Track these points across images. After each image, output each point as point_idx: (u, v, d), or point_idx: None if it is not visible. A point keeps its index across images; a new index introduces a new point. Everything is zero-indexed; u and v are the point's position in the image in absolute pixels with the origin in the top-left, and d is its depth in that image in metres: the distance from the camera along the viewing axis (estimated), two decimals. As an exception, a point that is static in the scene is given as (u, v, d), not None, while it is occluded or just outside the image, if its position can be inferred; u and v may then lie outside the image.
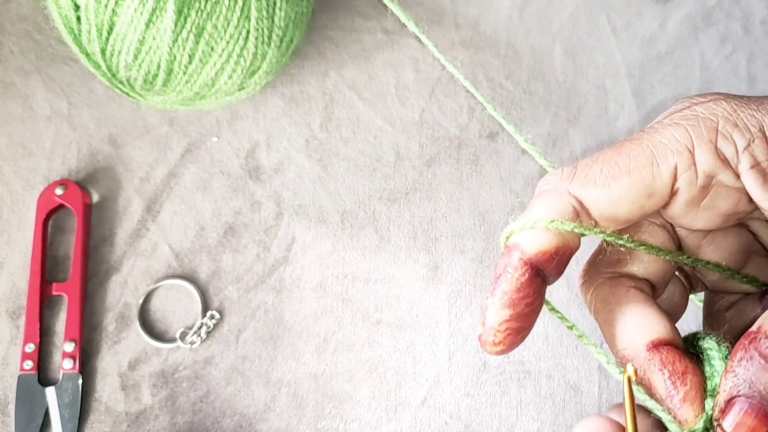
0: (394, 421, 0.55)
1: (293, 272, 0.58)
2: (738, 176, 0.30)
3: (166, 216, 0.59)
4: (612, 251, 0.33)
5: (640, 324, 0.31)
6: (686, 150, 0.30)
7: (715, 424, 0.28)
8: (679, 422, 0.29)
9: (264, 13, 0.53)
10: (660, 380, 0.29)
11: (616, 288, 0.32)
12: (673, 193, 0.30)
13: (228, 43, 0.53)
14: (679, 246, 0.34)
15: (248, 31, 0.53)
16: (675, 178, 0.30)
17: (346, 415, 0.55)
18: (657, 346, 0.30)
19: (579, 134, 0.63)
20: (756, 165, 0.30)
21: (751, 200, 0.31)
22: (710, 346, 0.30)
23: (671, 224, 0.34)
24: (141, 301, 0.57)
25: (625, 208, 0.30)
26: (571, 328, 0.32)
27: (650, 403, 0.29)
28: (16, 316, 0.56)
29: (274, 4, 0.54)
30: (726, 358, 0.29)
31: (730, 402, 0.27)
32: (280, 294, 0.58)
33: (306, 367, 0.56)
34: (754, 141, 0.29)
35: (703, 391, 0.29)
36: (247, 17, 0.53)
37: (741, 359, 0.27)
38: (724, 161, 0.30)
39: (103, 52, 0.54)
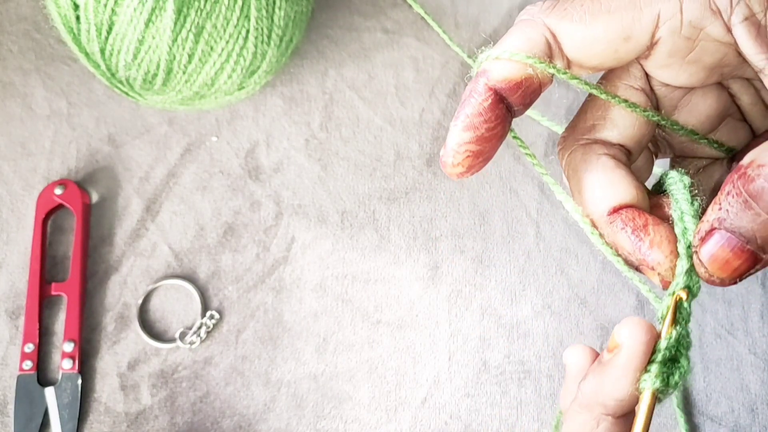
0: (394, 421, 0.55)
1: (293, 272, 0.58)
2: (728, 29, 0.29)
3: (166, 216, 0.59)
4: (588, 117, 0.33)
5: (605, 191, 0.31)
6: None
7: (693, 250, 0.28)
8: (652, 268, 0.29)
9: (263, 12, 0.53)
10: (624, 238, 0.30)
11: (587, 154, 0.32)
12: (653, 42, 0.30)
13: (227, 42, 0.53)
14: (657, 104, 0.34)
15: (248, 31, 0.53)
16: (657, 26, 0.29)
17: (345, 415, 0.55)
18: (618, 209, 0.30)
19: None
20: (751, 16, 0.29)
21: (738, 55, 0.30)
22: (672, 182, 0.31)
23: (650, 86, 0.33)
24: (140, 301, 0.57)
25: (599, 49, 0.29)
26: (530, 155, 0.33)
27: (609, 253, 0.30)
28: (16, 316, 0.56)
29: (274, 3, 0.54)
30: (688, 189, 0.30)
31: (710, 232, 0.27)
32: (279, 294, 0.58)
33: (306, 368, 0.56)
34: None
35: (669, 233, 0.30)
36: (247, 16, 0.52)
37: (728, 193, 0.27)
38: (715, 12, 0.29)
39: (102, 51, 0.54)
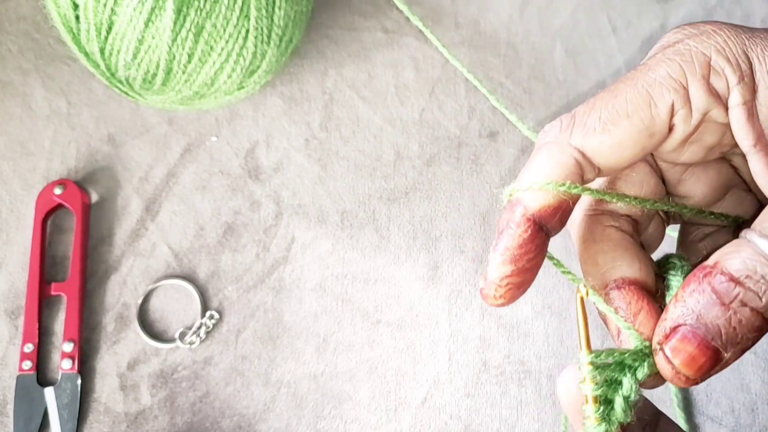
0: (394, 421, 0.55)
1: (293, 272, 0.58)
2: (727, 111, 0.30)
3: (166, 216, 0.59)
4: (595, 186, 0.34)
5: (610, 263, 0.32)
6: (681, 87, 0.29)
7: (657, 347, 0.29)
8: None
9: (263, 12, 0.53)
10: (612, 318, 0.31)
11: (594, 226, 0.33)
12: (669, 129, 0.30)
13: (227, 42, 0.53)
14: (660, 177, 0.35)
15: (248, 30, 0.53)
16: (672, 115, 0.30)
17: (345, 415, 0.55)
18: (620, 285, 0.31)
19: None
20: (744, 103, 0.30)
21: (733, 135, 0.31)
22: (673, 276, 0.31)
23: (653, 157, 0.34)
24: (140, 301, 0.57)
25: (628, 152, 0.30)
26: (568, 274, 0.32)
27: (611, 315, 0.31)
28: (15, 316, 0.56)
29: (274, 3, 0.54)
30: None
31: (675, 329, 0.28)
32: (279, 294, 0.58)
33: (305, 368, 0.56)
34: (744, 79, 0.30)
35: (655, 321, 0.30)
36: (247, 16, 0.52)
37: (693, 291, 0.28)
38: (716, 97, 0.30)
39: (102, 51, 0.54)
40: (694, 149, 0.32)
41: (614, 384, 0.30)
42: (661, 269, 0.33)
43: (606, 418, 0.29)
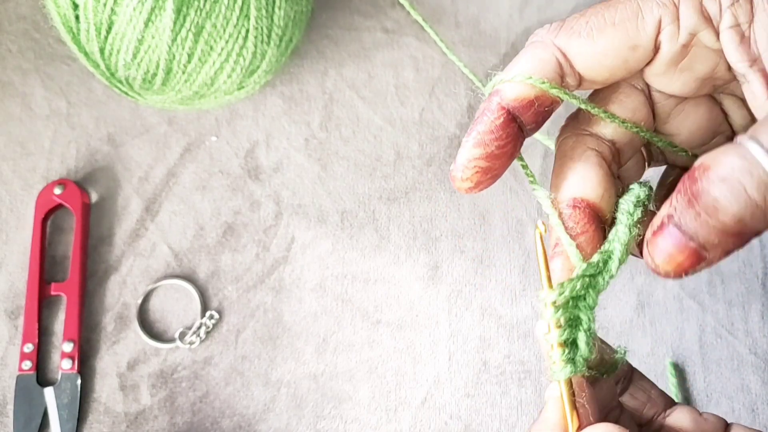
0: (393, 421, 0.55)
1: (293, 272, 0.58)
2: (718, 36, 0.30)
3: (165, 216, 0.59)
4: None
5: (576, 182, 0.32)
6: (671, 4, 0.30)
7: (645, 241, 0.29)
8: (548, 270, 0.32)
9: (263, 12, 0.53)
10: (563, 234, 0.32)
11: (576, 145, 0.33)
12: (656, 48, 0.31)
13: (227, 42, 0.53)
14: (652, 110, 0.35)
15: (247, 30, 0.53)
16: (659, 31, 0.30)
17: (345, 415, 0.55)
18: (577, 204, 0.32)
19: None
20: (735, 25, 0.30)
21: (728, 69, 0.31)
22: (624, 209, 0.32)
23: (648, 89, 0.34)
24: (140, 301, 0.57)
25: (609, 61, 0.31)
26: (525, 167, 0.34)
27: (559, 228, 0.32)
28: (15, 316, 0.56)
29: (274, 3, 0.53)
30: (638, 201, 0.32)
31: (660, 226, 0.28)
32: (279, 294, 0.58)
33: (305, 368, 0.56)
34: (738, 1, 0.30)
35: (598, 244, 0.32)
36: (247, 16, 0.52)
37: (677, 192, 0.28)
38: (708, 19, 0.30)
39: (101, 51, 0.53)
40: (685, 78, 0.32)
41: (574, 322, 0.31)
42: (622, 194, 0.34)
43: (571, 359, 0.31)
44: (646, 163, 0.37)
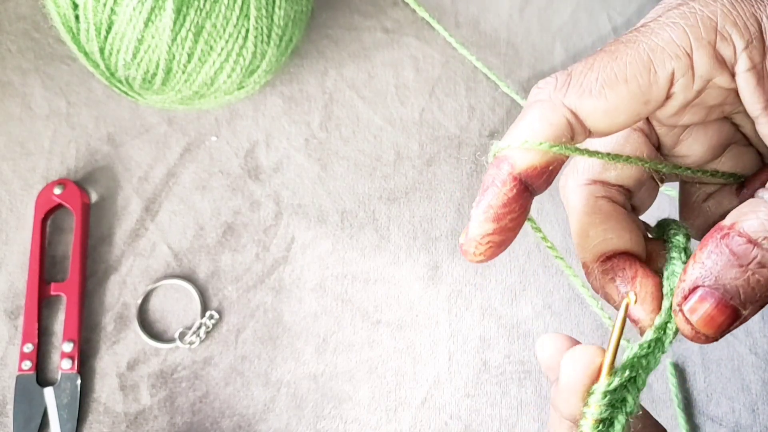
0: (393, 421, 0.55)
1: (293, 272, 0.58)
2: (733, 77, 0.30)
3: (165, 215, 0.59)
4: (588, 159, 0.33)
5: (599, 236, 0.32)
6: (684, 54, 0.29)
7: (676, 308, 0.29)
8: (634, 322, 0.31)
9: (263, 11, 0.53)
10: (612, 289, 0.31)
11: (587, 197, 0.33)
12: (667, 97, 0.30)
13: (227, 42, 0.53)
14: (655, 141, 0.34)
15: (247, 30, 0.53)
16: (671, 84, 0.29)
17: (345, 415, 0.55)
18: (609, 257, 0.32)
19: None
20: (753, 67, 0.29)
21: (737, 97, 0.30)
22: (676, 245, 0.32)
23: (650, 124, 0.34)
24: (140, 301, 0.57)
25: (622, 118, 0.29)
26: (547, 242, 0.33)
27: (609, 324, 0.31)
28: (15, 316, 0.56)
29: (274, 2, 0.53)
30: (683, 247, 0.31)
31: (693, 289, 0.28)
32: (279, 294, 0.58)
33: (305, 368, 0.56)
34: (752, 42, 0.29)
35: (657, 290, 0.31)
36: (246, 16, 0.52)
37: (711, 252, 0.28)
38: (722, 63, 0.29)
39: (101, 51, 0.53)
40: (694, 111, 0.32)
41: (618, 403, 0.29)
42: (660, 233, 0.34)
43: None
44: (658, 183, 0.36)
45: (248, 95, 0.60)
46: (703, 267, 0.28)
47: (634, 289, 0.31)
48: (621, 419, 0.29)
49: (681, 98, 0.30)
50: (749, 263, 0.27)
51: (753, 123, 0.33)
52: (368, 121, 0.62)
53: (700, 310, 0.28)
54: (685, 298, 0.28)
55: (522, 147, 0.28)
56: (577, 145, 0.29)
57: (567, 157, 0.30)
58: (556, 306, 0.58)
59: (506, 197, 0.28)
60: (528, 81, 0.64)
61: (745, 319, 0.28)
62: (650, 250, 0.34)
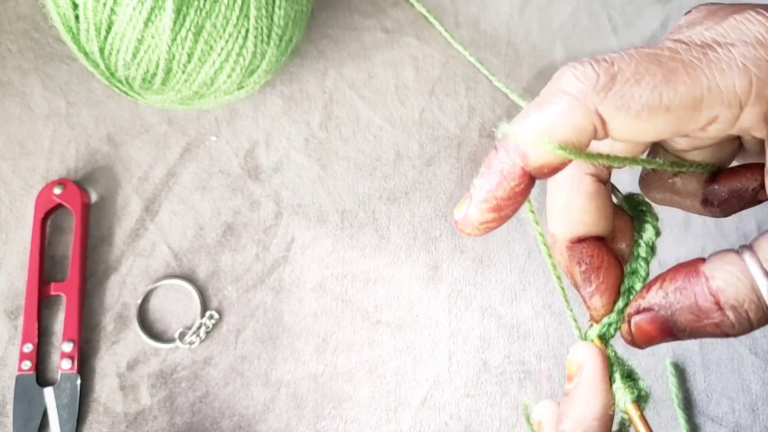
0: (393, 421, 0.55)
1: (292, 272, 0.58)
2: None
3: (165, 215, 0.59)
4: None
5: (575, 217, 0.33)
6: (737, 105, 0.27)
7: (626, 317, 0.31)
8: (588, 308, 0.33)
9: (263, 11, 0.53)
10: (577, 272, 0.33)
11: (574, 171, 0.32)
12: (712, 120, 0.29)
13: (227, 41, 0.53)
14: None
15: (247, 30, 0.53)
16: (709, 125, 0.28)
17: (345, 415, 0.55)
18: (579, 241, 0.33)
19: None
20: None
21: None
22: (646, 242, 0.33)
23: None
24: (140, 301, 0.57)
25: (646, 139, 0.28)
26: (541, 235, 0.33)
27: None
28: (14, 316, 0.56)
29: (274, 2, 0.53)
30: (650, 250, 0.33)
31: (648, 309, 0.30)
32: (279, 294, 0.58)
33: (305, 368, 0.56)
34: None
35: (615, 284, 0.33)
36: (246, 16, 0.52)
37: (677, 290, 0.29)
38: (765, 122, 0.28)
39: (101, 50, 0.53)
40: (708, 139, 0.31)
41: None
42: (629, 208, 0.34)
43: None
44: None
45: (248, 95, 0.60)
46: (665, 298, 0.30)
47: (596, 280, 0.32)
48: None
49: (711, 137, 0.29)
50: (707, 319, 0.29)
51: (755, 139, 0.33)
52: (368, 121, 0.62)
53: (645, 328, 0.30)
54: (638, 312, 0.30)
55: (541, 144, 0.27)
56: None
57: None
58: (556, 306, 0.58)
59: (513, 191, 0.28)
60: (528, 80, 0.64)
61: (676, 340, 0.30)
62: (616, 227, 0.34)
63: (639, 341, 0.31)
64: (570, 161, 0.28)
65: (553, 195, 0.33)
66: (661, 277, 0.30)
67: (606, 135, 0.28)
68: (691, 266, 0.29)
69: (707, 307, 0.28)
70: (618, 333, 0.32)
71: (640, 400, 0.31)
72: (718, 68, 0.27)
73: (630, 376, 0.31)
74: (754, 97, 0.27)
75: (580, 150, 0.27)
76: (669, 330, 0.30)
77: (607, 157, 0.29)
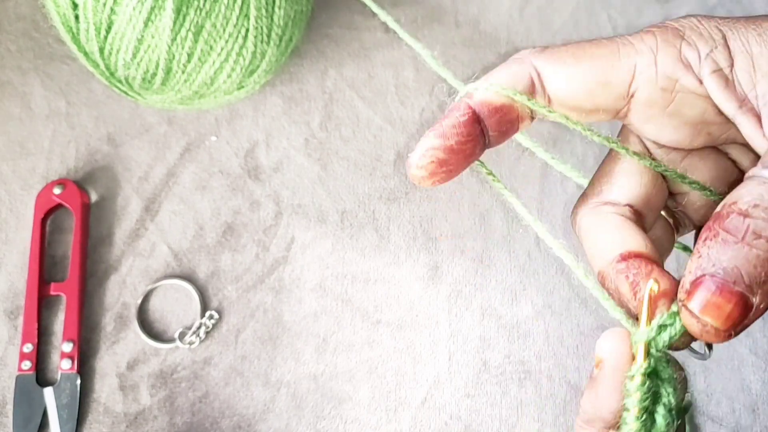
0: (393, 421, 0.55)
1: (292, 272, 0.58)
2: (701, 82, 0.31)
3: (165, 215, 0.59)
4: (595, 184, 0.34)
5: (614, 241, 0.32)
6: (650, 51, 0.31)
7: (680, 305, 0.27)
8: (638, 320, 0.29)
9: (263, 11, 0.53)
10: (624, 284, 0.30)
11: (597, 216, 0.33)
12: (631, 93, 0.31)
13: (227, 41, 0.53)
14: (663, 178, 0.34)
15: (247, 30, 0.53)
16: (633, 77, 0.31)
17: (345, 415, 0.55)
18: (626, 257, 0.31)
19: (580, 133, 0.62)
20: (717, 70, 0.30)
21: (718, 112, 0.31)
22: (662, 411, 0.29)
23: (648, 150, 0.34)
24: (140, 301, 0.57)
25: (578, 90, 0.31)
26: (494, 178, 0.34)
27: (608, 304, 0.30)
28: (14, 316, 0.56)
29: (273, 2, 0.53)
30: None
31: (695, 281, 0.26)
32: (279, 294, 0.58)
33: (305, 368, 0.56)
34: (717, 48, 0.30)
35: (672, 290, 0.29)
36: (246, 16, 0.52)
37: (706, 239, 0.27)
38: (687, 65, 0.30)
39: (101, 50, 0.53)
40: (675, 124, 0.32)
41: (655, 394, 0.28)
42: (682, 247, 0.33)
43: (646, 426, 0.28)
44: (675, 232, 0.36)
45: (248, 95, 0.60)
46: (700, 256, 0.26)
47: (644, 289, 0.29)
48: (661, 411, 0.28)
49: (646, 94, 0.31)
50: (743, 236, 0.25)
51: (750, 158, 0.34)
52: (368, 121, 0.62)
53: (703, 299, 0.26)
54: (688, 293, 0.27)
55: (485, 87, 0.31)
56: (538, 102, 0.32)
57: (524, 115, 0.32)
58: (556, 306, 0.58)
59: (457, 120, 0.31)
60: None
61: (759, 310, 0.26)
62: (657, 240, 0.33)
63: (713, 321, 0.26)
64: (511, 107, 0.31)
65: (585, 241, 0.33)
66: (693, 251, 0.28)
67: (545, 92, 0.32)
68: (711, 218, 0.27)
69: (734, 223, 0.26)
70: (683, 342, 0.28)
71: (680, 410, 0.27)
72: (629, 36, 0.32)
73: (670, 381, 0.28)
74: (661, 44, 0.31)
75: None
76: (728, 288, 0.25)
77: (544, 107, 0.32)
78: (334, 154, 0.61)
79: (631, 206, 0.33)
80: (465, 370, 0.56)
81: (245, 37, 0.53)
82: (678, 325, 0.28)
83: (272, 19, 0.54)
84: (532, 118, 0.33)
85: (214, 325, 0.57)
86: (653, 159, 0.34)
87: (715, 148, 0.34)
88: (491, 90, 0.31)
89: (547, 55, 0.32)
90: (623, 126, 0.34)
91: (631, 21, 0.66)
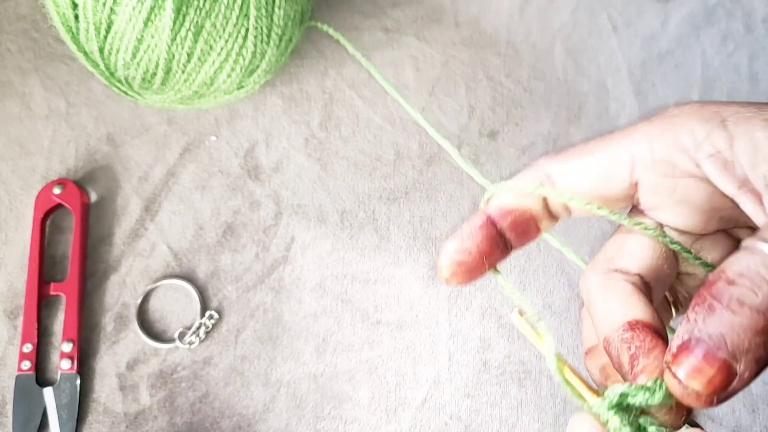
0: (393, 421, 0.55)
1: (292, 272, 0.58)
2: (698, 165, 0.31)
3: (165, 215, 0.59)
4: (607, 250, 0.35)
5: (622, 308, 0.32)
6: (646, 140, 0.32)
7: (665, 366, 0.27)
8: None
9: (263, 11, 0.53)
10: (625, 355, 0.30)
11: (606, 281, 0.34)
12: (634, 182, 0.32)
13: (227, 41, 0.53)
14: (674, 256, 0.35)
15: (247, 30, 0.53)
16: (633, 166, 0.32)
17: (345, 415, 0.55)
18: (633, 326, 0.31)
19: (580, 133, 0.62)
20: (715, 153, 0.30)
21: (725, 195, 0.31)
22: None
23: (661, 226, 0.34)
24: (139, 301, 0.57)
25: (584, 185, 0.33)
26: (513, 291, 0.36)
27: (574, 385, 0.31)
28: (14, 316, 0.56)
29: (273, 2, 0.53)
30: None
31: (681, 346, 0.27)
32: (279, 294, 0.58)
33: (305, 368, 0.56)
34: (714, 131, 0.30)
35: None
36: (246, 15, 0.52)
37: (695, 305, 0.27)
38: (683, 150, 0.31)
39: (101, 50, 0.53)
40: (687, 211, 0.32)
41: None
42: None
43: None
44: (673, 310, 0.36)
45: (248, 95, 0.60)
46: (688, 322, 0.27)
47: (647, 359, 0.29)
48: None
49: (648, 182, 0.32)
50: (728, 303, 0.26)
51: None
52: (368, 120, 0.62)
53: (687, 363, 0.26)
54: (675, 355, 0.27)
55: (497, 190, 0.34)
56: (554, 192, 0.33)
57: (538, 214, 0.33)
58: (556, 306, 0.58)
59: (473, 225, 0.33)
60: (528, 80, 0.64)
61: (743, 379, 0.26)
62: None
63: (694, 385, 0.26)
64: (524, 208, 0.33)
65: (592, 306, 0.33)
66: (686, 315, 0.28)
67: (552, 187, 0.34)
68: (703, 285, 0.27)
69: (720, 291, 0.26)
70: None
71: None
72: (631, 127, 0.33)
73: None
74: (657, 131, 0.32)
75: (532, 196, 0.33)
76: (712, 354, 0.26)
77: (560, 194, 0.33)
78: (334, 153, 0.61)
79: (641, 276, 0.33)
80: (465, 370, 0.56)
81: (245, 37, 0.53)
82: (661, 392, 0.28)
83: (272, 19, 0.54)
84: (553, 218, 0.34)
85: (214, 325, 0.57)
86: (667, 236, 0.34)
87: (726, 232, 0.34)
88: (502, 192, 0.34)
89: (558, 158, 0.34)
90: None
91: (631, 21, 0.66)
